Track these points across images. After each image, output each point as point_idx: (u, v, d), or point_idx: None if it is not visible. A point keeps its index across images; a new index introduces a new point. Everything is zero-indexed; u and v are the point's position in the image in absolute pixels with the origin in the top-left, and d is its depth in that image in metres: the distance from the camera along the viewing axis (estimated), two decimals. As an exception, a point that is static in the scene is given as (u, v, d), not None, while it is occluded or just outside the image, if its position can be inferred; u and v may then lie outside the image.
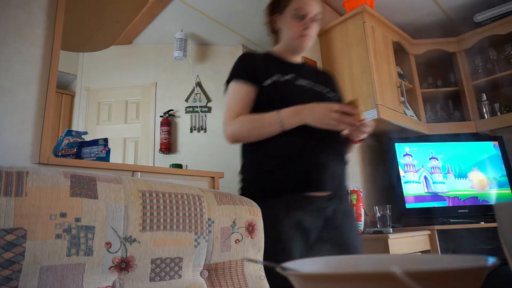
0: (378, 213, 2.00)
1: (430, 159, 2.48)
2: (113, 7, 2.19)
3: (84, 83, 3.30)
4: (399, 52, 2.75)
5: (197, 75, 3.30)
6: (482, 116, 2.68)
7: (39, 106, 1.33)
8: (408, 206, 2.35)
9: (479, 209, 2.38)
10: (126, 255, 0.64)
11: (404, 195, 2.37)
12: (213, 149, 3.11)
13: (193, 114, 3.21)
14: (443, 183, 2.43)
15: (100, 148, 1.57)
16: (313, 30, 1.18)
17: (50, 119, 1.35)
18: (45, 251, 0.54)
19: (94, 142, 1.59)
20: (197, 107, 3.22)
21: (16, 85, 1.29)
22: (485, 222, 2.19)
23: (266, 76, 1.10)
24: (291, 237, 0.96)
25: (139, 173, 1.61)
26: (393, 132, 2.50)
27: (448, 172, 2.46)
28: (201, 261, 0.76)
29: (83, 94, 3.27)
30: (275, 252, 0.91)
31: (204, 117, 3.20)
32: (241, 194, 0.98)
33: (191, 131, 3.18)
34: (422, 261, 0.36)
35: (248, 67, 1.13)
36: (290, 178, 1.00)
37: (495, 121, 2.61)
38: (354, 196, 2.03)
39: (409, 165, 2.45)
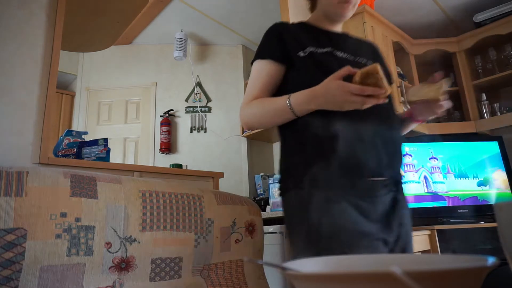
0: (378, 213, 1.99)
1: (430, 159, 2.48)
2: (113, 7, 2.19)
3: (84, 83, 3.30)
4: (399, 52, 2.74)
5: (197, 75, 3.30)
6: (482, 116, 2.68)
7: (39, 106, 1.33)
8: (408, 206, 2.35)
9: (479, 209, 2.38)
10: (126, 255, 0.64)
11: (404, 195, 2.36)
12: (213, 149, 3.12)
13: (193, 114, 3.21)
14: (443, 183, 2.43)
15: (100, 148, 1.57)
16: None
17: (50, 119, 1.35)
18: (45, 251, 0.54)
19: (94, 142, 1.59)
20: (197, 107, 3.22)
21: (16, 85, 1.29)
22: (485, 222, 2.19)
23: (299, 48, 0.99)
24: (355, 219, 0.87)
25: (139, 173, 1.61)
26: (393, 132, 2.50)
27: (448, 172, 2.46)
28: (201, 261, 0.75)
29: (83, 94, 3.27)
30: (335, 235, 0.82)
31: (204, 117, 3.20)
32: (283, 183, 0.93)
33: (191, 131, 3.18)
34: (422, 261, 0.36)
35: (276, 40, 1.01)
36: (344, 162, 0.89)
37: (495, 121, 2.61)
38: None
39: (409, 165, 2.44)
